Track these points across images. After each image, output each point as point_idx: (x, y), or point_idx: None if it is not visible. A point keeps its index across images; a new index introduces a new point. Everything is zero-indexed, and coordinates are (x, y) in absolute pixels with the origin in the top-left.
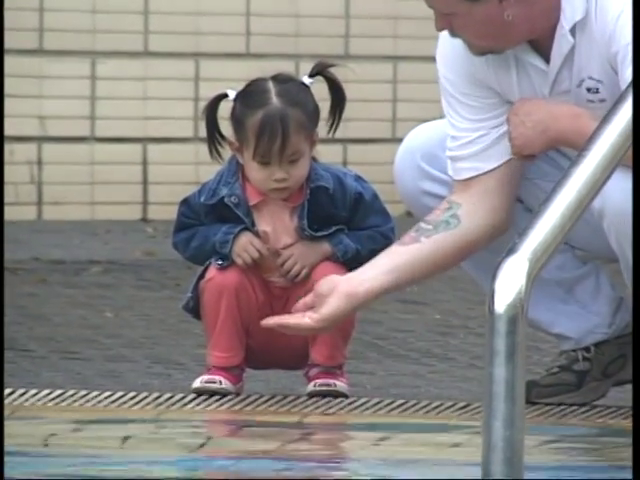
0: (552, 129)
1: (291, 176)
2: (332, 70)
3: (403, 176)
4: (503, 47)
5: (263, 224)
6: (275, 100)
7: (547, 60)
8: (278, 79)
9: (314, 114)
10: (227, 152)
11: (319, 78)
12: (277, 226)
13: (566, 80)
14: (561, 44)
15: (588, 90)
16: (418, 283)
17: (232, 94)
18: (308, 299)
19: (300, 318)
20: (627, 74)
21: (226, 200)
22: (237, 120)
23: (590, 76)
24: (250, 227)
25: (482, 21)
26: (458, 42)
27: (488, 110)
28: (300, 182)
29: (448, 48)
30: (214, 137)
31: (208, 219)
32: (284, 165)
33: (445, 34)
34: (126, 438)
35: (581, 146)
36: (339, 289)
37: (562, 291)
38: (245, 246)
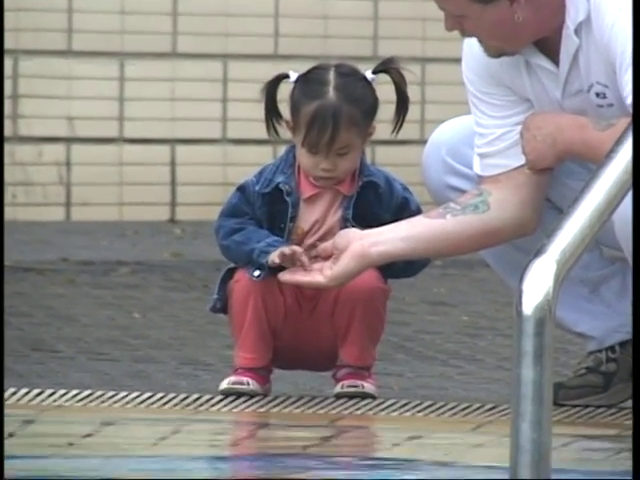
0: (560, 141)
1: (338, 168)
2: (398, 70)
3: (429, 170)
4: (515, 49)
5: (313, 215)
6: (332, 94)
7: (555, 62)
8: (340, 71)
9: (371, 110)
10: (281, 133)
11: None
12: (324, 216)
13: (576, 81)
14: (567, 44)
15: (597, 95)
16: (432, 257)
17: (293, 76)
18: (328, 245)
19: (314, 275)
20: (626, 79)
21: (281, 186)
22: (293, 104)
23: (598, 81)
24: (292, 220)
25: (493, 23)
26: (476, 43)
27: (510, 107)
28: (347, 174)
29: (468, 49)
30: (272, 115)
31: (261, 210)
32: (331, 157)
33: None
34: (154, 439)
35: (587, 157)
36: (352, 248)
37: (587, 290)
38: (289, 254)
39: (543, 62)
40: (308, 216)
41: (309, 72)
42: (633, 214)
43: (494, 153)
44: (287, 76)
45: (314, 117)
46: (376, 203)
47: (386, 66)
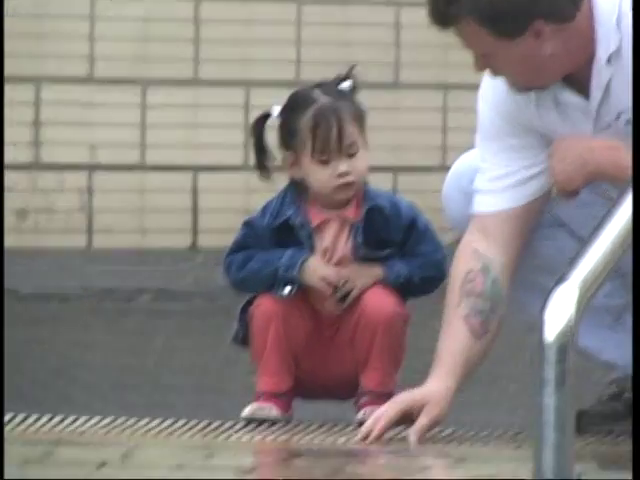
0: (590, 163)
1: (353, 169)
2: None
3: (450, 201)
4: (544, 83)
5: (323, 243)
6: (322, 98)
7: (584, 95)
8: (318, 84)
9: (361, 110)
10: (277, 176)
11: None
12: (335, 244)
13: (607, 114)
14: (600, 76)
15: (627, 123)
16: None
17: (276, 110)
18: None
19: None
20: None
21: (291, 222)
22: (287, 128)
23: (628, 108)
24: (310, 251)
25: (521, 58)
26: (502, 83)
27: (523, 149)
28: (362, 176)
29: (492, 88)
30: (263, 157)
31: (270, 243)
32: (344, 158)
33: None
34: (177, 466)
35: (619, 178)
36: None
37: (611, 319)
38: (325, 270)
39: (572, 97)
40: (318, 245)
41: (290, 97)
42: (633, 218)
43: (493, 191)
44: (269, 114)
45: (316, 119)
46: (384, 226)
47: (347, 73)
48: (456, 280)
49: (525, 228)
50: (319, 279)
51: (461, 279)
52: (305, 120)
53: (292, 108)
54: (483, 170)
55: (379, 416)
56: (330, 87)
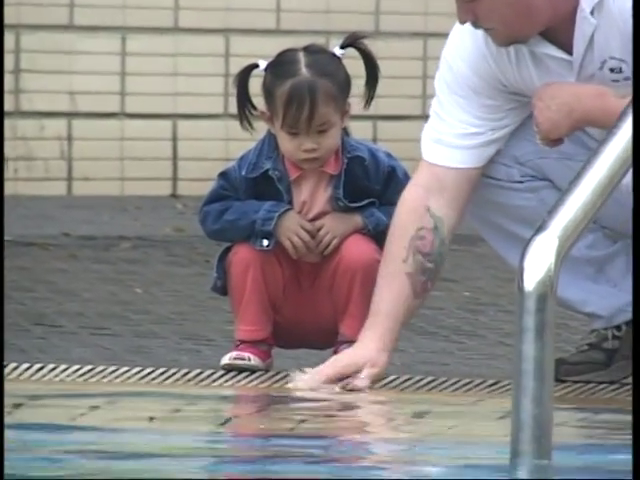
0: (577, 110)
1: (320, 146)
2: (364, 42)
3: None
4: (528, 33)
5: (300, 197)
6: (304, 71)
7: (565, 49)
8: (309, 50)
9: (345, 85)
10: (258, 125)
11: (351, 51)
12: (313, 197)
13: (590, 64)
14: (583, 27)
15: (611, 70)
16: None
17: (263, 64)
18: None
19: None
20: None
21: (270, 173)
22: (267, 90)
23: (612, 56)
24: (289, 203)
25: (507, 3)
26: (481, 40)
27: (494, 111)
28: (330, 152)
29: (469, 44)
30: (245, 107)
31: (246, 194)
32: (313, 135)
33: (463, 29)
34: (154, 414)
35: (607, 124)
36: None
37: (593, 270)
38: (296, 230)
39: (553, 51)
40: (296, 198)
41: (278, 56)
42: (633, 216)
43: (455, 146)
44: (256, 65)
45: (290, 95)
46: (363, 176)
47: (352, 40)
48: (404, 232)
49: (473, 190)
50: (293, 234)
51: (411, 234)
52: (281, 91)
53: (274, 72)
54: (448, 124)
55: (318, 372)
56: (318, 58)
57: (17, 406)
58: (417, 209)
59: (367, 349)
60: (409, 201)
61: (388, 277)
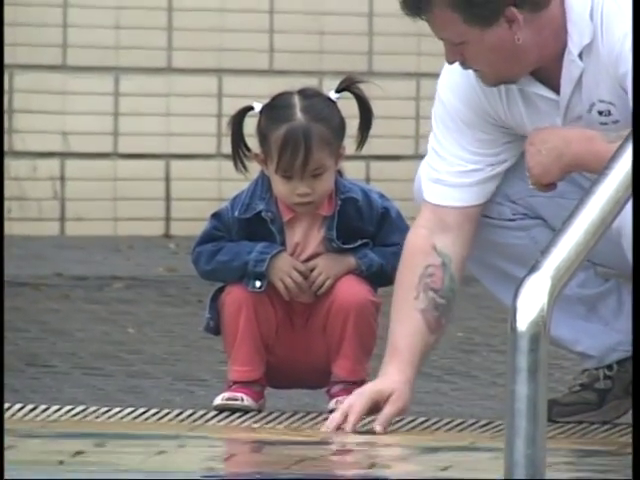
0: (566, 154)
1: (314, 190)
2: (359, 86)
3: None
4: (516, 74)
5: (294, 238)
6: (299, 115)
7: (554, 89)
8: (304, 94)
9: (339, 129)
10: (252, 166)
11: (346, 94)
12: (306, 238)
13: (577, 106)
14: (571, 70)
15: (600, 113)
16: None
17: (258, 107)
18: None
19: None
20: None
21: (263, 214)
22: (262, 133)
23: (600, 99)
24: (282, 245)
25: (493, 47)
26: (471, 73)
27: (490, 146)
28: (324, 196)
29: (459, 78)
30: (239, 149)
31: (239, 235)
32: (307, 179)
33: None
34: (147, 454)
35: (597, 168)
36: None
37: (584, 309)
38: (288, 271)
39: (541, 90)
40: (289, 239)
41: (273, 99)
42: (633, 217)
43: (454, 185)
44: (251, 108)
45: (285, 140)
46: (357, 217)
47: (347, 84)
48: (413, 272)
49: (477, 227)
50: (286, 276)
51: (419, 272)
52: (276, 136)
53: (270, 115)
54: (447, 161)
55: (347, 409)
56: (313, 102)
57: (9, 448)
58: (423, 248)
59: (390, 380)
60: (415, 242)
61: (401, 316)
